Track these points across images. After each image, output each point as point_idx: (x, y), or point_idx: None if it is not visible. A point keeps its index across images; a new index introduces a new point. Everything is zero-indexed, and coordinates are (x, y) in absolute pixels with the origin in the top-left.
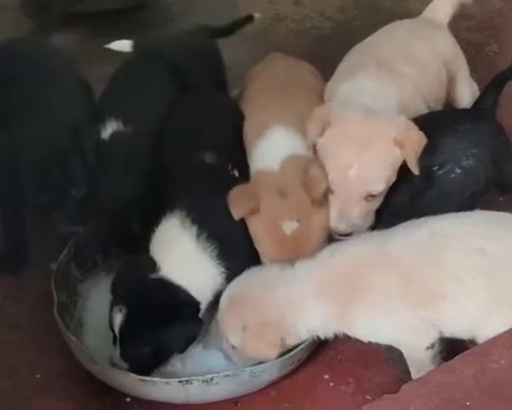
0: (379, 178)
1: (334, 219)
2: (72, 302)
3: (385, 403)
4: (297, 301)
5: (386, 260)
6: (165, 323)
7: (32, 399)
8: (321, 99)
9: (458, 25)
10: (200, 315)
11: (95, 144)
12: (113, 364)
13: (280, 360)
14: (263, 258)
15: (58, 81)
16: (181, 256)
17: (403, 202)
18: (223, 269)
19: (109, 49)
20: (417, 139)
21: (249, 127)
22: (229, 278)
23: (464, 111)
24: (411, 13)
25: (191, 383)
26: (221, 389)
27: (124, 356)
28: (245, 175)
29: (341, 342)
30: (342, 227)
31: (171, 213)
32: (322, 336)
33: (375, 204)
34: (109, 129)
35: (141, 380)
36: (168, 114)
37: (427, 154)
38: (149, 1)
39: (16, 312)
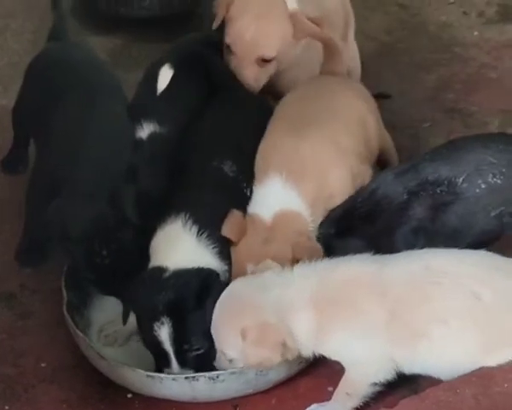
0: (270, 45)
1: None
2: (82, 302)
3: None
4: (292, 304)
5: (380, 287)
6: (203, 306)
7: (35, 386)
8: (354, 131)
9: None
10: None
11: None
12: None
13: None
14: None
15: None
16: (186, 252)
17: (426, 217)
18: (226, 267)
19: (150, 55)
20: (310, 25)
21: (258, 157)
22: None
23: (502, 134)
24: (456, 38)
25: (197, 379)
26: (227, 387)
27: (187, 363)
28: None
29: None
30: None
31: (176, 216)
32: (303, 351)
33: (268, 70)
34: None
35: (148, 376)
36: (197, 116)
37: (452, 164)
38: (197, 10)
39: (31, 302)
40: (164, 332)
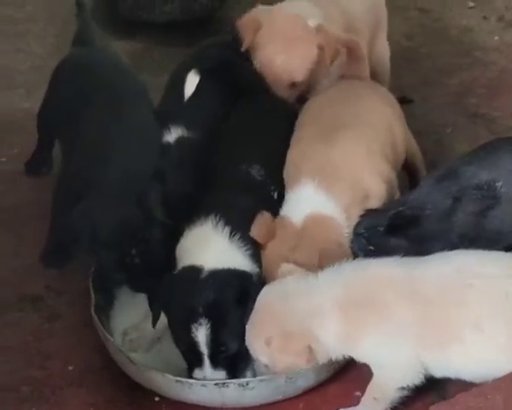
0: (299, 71)
1: None
2: (109, 305)
3: None
4: (317, 310)
5: (410, 289)
6: (241, 307)
7: (63, 389)
8: (380, 136)
9: None
10: None
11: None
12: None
13: (316, 365)
14: None
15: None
16: (219, 253)
17: (469, 222)
18: (258, 269)
19: (171, 59)
20: (335, 48)
21: (288, 165)
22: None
23: None
24: (477, 43)
25: (227, 386)
26: (257, 394)
27: (219, 364)
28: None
29: None
30: None
31: (206, 217)
32: (332, 355)
33: (299, 90)
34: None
35: (177, 381)
36: (225, 120)
37: (490, 167)
38: (217, 14)
39: (57, 304)
40: (201, 334)
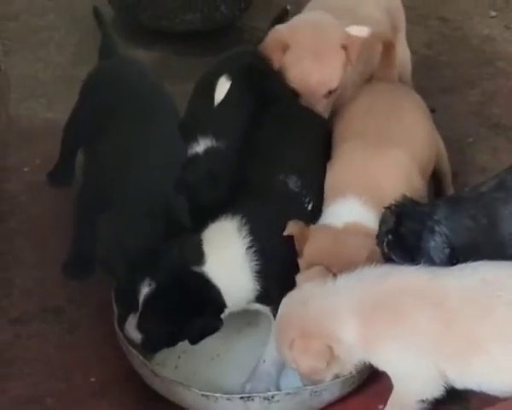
0: (334, 78)
1: None
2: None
3: None
4: (334, 311)
5: (433, 297)
6: (187, 311)
7: (85, 402)
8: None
9: None
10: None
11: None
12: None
13: (341, 379)
14: None
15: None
16: (227, 258)
17: None
18: (258, 287)
19: (190, 69)
20: (357, 43)
21: (329, 184)
22: (260, 299)
23: None
24: (499, 53)
25: (252, 399)
26: (282, 407)
27: (139, 328)
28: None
29: None
30: None
31: (233, 216)
32: (355, 359)
33: (334, 97)
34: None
35: (203, 395)
36: (254, 129)
37: None
38: (237, 23)
39: (78, 316)
40: (141, 293)
